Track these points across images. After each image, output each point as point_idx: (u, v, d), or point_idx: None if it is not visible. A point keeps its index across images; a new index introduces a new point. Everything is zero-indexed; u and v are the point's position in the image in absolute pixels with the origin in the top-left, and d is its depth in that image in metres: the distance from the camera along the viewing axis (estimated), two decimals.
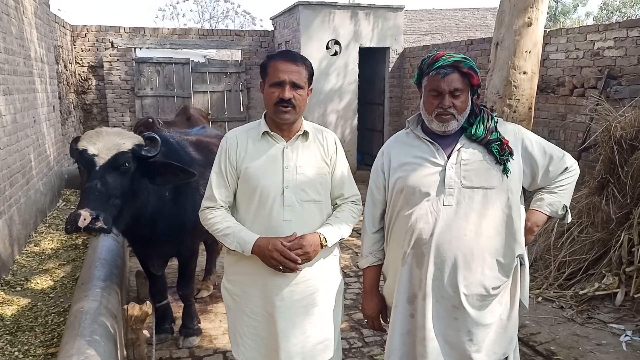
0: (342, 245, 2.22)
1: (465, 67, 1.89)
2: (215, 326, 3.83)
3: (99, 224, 2.47)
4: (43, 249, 5.30)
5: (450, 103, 1.90)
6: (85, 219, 2.43)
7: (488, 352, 1.97)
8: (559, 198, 2.04)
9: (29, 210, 5.54)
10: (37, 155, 6.24)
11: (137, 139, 2.86)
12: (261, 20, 47.57)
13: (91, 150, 2.68)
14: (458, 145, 1.96)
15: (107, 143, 2.72)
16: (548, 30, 5.91)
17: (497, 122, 1.99)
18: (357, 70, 9.36)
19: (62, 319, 3.68)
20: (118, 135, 2.80)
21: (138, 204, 2.91)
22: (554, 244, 4.44)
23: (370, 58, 9.73)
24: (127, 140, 2.79)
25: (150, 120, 6.22)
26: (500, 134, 1.94)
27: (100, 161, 2.67)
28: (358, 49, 9.27)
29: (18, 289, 4.30)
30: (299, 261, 2.04)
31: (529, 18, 4.05)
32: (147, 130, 6.15)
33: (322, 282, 2.19)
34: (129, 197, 2.80)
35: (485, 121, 1.96)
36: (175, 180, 2.95)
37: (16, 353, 3.23)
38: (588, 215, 4.33)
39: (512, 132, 2.00)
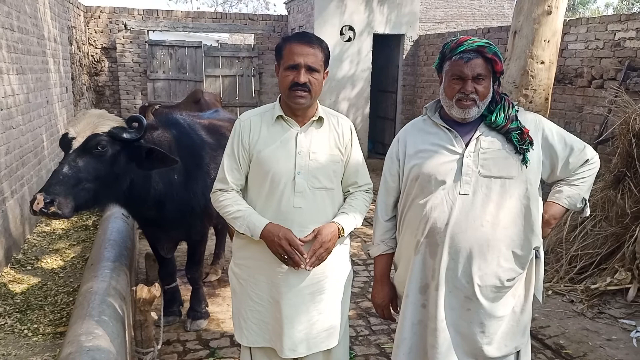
0: (351, 233, 2.21)
1: (489, 53, 1.84)
2: (222, 310, 3.84)
3: (52, 209, 2.43)
4: (53, 229, 5.35)
5: (473, 88, 1.85)
6: (38, 203, 2.40)
7: (499, 345, 1.94)
8: (578, 191, 2.00)
9: None
10: (49, 135, 6.27)
11: (117, 122, 2.75)
12: (275, 5, 47.41)
13: (71, 133, 2.62)
14: (477, 133, 1.92)
15: (84, 126, 2.63)
16: (567, 19, 5.79)
17: (517, 111, 1.94)
18: (371, 57, 9.26)
19: (71, 298, 3.72)
20: (98, 117, 2.69)
21: (123, 188, 2.82)
22: (566, 237, 4.39)
23: (385, 45, 9.62)
24: (105, 123, 2.68)
25: (146, 104, 6.23)
26: (520, 123, 1.90)
27: (75, 144, 2.60)
28: (372, 35, 9.17)
29: (28, 267, 4.34)
30: (305, 256, 2.02)
31: (548, 6, 3.96)
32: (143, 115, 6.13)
33: (330, 270, 2.17)
34: (108, 181, 2.71)
35: (506, 109, 1.91)
36: (160, 166, 2.84)
37: (25, 331, 3.26)
38: (602, 209, 4.26)
39: (533, 122, 1.95)
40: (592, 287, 3.97)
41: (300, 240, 2.03)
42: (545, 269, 4.27)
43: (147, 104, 6.17)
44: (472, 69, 1.84)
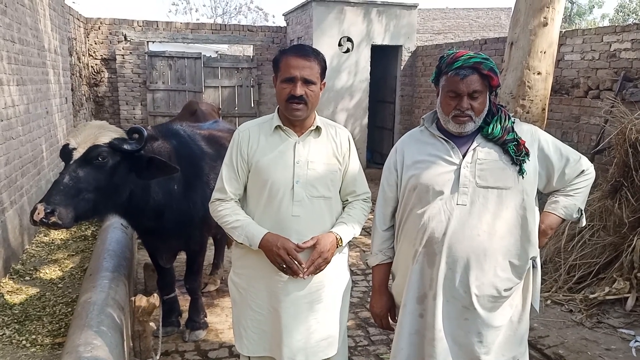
0: (350, 243, 2.22)
1: (485, 69, 1.85)
2: (221, 320, 3.83)
3: (53, 219, 2.43)
4: (52, 239, 5.34)
5: (469, 105, 1.86)
6: (39, 213, 2.41)
7: (497, 355, 1.95)
8: (574, 201, 2.01)
9: None
10: (48, 146, 6.28)
11: (118, 133, 2.78)
12: (274, 17, 47.80)
13: (72, 144, 2.63)
14: (474, 144, 1.93)
15: (85, 137, 2.65)
16: (563, 30, 5.84)
17: (514, 122, 1.96)
18: (369, 68, 9.32)
19: (69, 309, 3.71)
20: (98, 129, 2.71)
21: (123, 198, 2.84)
22: (565, 246, 4.39)
23: (383, 56, 9.69)
24: (106, 134, 2.70)
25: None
26: (516, 134, 1.91)
27: (76, 155, 2.61)
28: (370, 46, 9.23)
29: (27, 278, 4.34)
30: (304, 266, 2.04)
31: (544, 18, 4.01)
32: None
33: (329, 279, 2.18)
34: (109, 191, 2.72)
35: (503, 121, 1.92)
36: (160, 175, 2.86)
37: (24, 342, 3.25)
38: (600, 219, 4.28)
39: (529, 133, 1.97)
40: (591, 296, 3.97)
41: (298, 246, 2.04)
42: (543, 279, 4.31)
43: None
44: (467, 85, 1.84)
